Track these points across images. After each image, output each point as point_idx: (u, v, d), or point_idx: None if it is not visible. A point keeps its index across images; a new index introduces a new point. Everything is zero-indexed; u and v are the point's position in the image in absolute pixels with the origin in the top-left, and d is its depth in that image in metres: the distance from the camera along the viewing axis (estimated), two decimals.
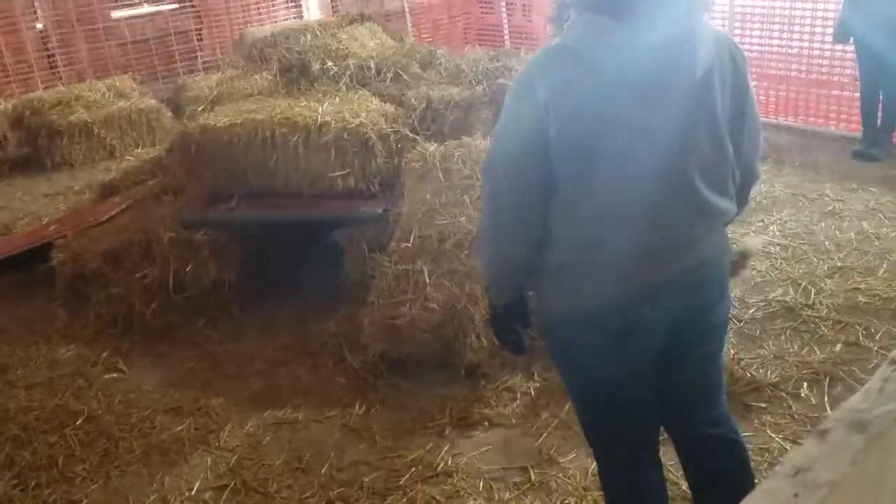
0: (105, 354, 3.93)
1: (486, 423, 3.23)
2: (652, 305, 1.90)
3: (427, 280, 3.53)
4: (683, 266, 1.91)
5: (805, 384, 3.24)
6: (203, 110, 4.88)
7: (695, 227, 1.90)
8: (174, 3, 8.47)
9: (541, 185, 1.82)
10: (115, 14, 8.12)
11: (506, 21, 9.01)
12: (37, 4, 7.74)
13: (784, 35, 6.37)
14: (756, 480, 2.29)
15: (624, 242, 1.83)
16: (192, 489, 3.01)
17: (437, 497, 2.86)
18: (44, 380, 3.77)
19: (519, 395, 3.38)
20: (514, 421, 3.23)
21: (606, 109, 1.75)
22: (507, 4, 8.99)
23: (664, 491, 2.24)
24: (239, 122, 4.21)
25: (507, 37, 8.91)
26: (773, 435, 2.99)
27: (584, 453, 2.98)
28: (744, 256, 2.33)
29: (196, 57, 8.59)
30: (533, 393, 3.37)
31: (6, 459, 3.22)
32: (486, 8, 9.33)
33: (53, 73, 7.83)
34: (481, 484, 2.90)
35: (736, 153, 1.91)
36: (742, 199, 2.04)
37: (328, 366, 3.72)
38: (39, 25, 7.81)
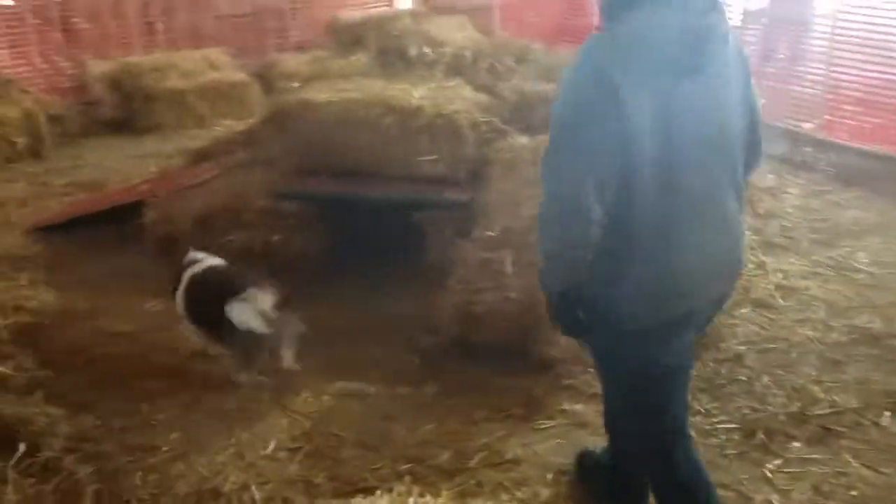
0: None
1: (557, 418, 3.24)
2: (710, 302, 2.16)
3: (508, 270, 3.54)
4: (732, 265, 2.15)
5: (887, 413, 3.17)
6: (299, 87, 4.98)
7: (733, 221, 2.08)
8: None
9: (603, 183, 1.88)
10: None
11: (597, 23, 8.95)
12: None
13: (883, 62, 6.19)
14: None
15: (700, 244, 1.99)
16: (267, 448, 3.09)
17: (505, 483, 2.88)
18: (130, 330, 3.91)
19: (589, 393, 3.37)
20: (584, 418, 3.22)
21: (669, 99, 1.87)
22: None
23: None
24: (336, 99, 4.30)
25: None
26: (850, 459, 2.93)
27: None
28: None
29: (287, 36, 8.76)
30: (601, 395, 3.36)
31: (93, 401, 3.35)
32: (577, 10, 9.27)
33: (151, 40, 8.07)
34: (550, 476, 2.91)
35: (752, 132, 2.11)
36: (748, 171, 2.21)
37: (401, 344, 3.77)
38: None
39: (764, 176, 5.59)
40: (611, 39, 1.92)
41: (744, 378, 3.42)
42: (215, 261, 3.62)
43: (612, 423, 2.53)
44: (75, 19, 7.71)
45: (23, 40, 7.49)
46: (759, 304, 4.00)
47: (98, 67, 7.46)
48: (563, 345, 3.49)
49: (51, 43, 7.63)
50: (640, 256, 1.97)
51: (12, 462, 2.89)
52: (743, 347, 3.63)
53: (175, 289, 3.52)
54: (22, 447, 2.94)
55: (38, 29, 7.54)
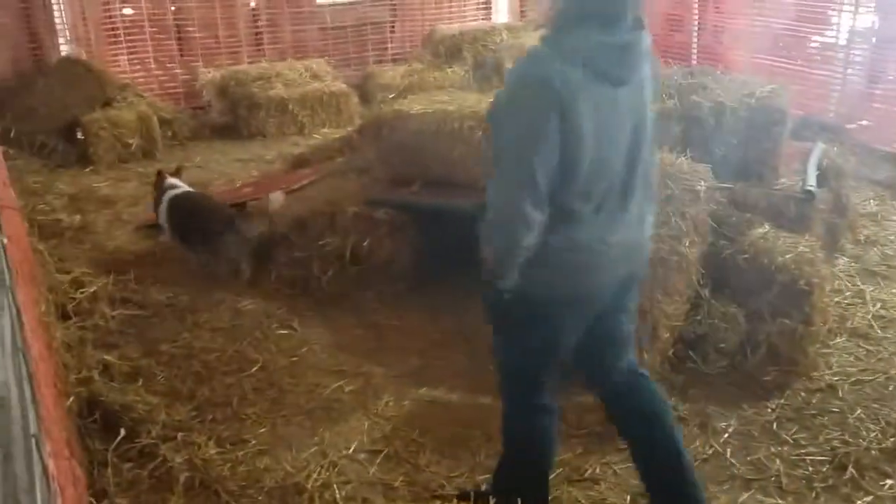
0: (281, 311, 4.22)
1: None
2: (618, 280, 2.39)
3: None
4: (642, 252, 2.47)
5: None
6: (395, 97, 5.10)
7: (643, 212, 2.40)
8: None
9: (550, 171, 2.12)
10: (320, 0, 8.60)
11: (695, 41, 8.80)
12: None
13: None
14: None
15: (619, 229, 2.30)
16: (349, 448, 3.18)
17: (583, 500, 2.89)
18: (226, 326, 4.09)
19: (674, 416, 3.32)
20: None
21: (608, 106, 2.16)
22: (697, 24, 8.77)
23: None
24: (431, 111, 4.38)
25: (694, 57, 8.69)
26: None
27: (738, 484, 2.91)
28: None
29: (386, 48, 8.96)
30: (687, 416, 3.32)
31: (188, 392, 3.53)
32: (674, 26, 9.13)
33: (259, 50, 8.39)
34: (628, 497, 2.89)
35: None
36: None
37: (485, 355, 3.79)
38: (252, 3, 8.40)
39: (866, 201, 5.38)
40: (555, 52, 2.15)
41: (836, 410, 3.31)
42: (187, 189, 4.87)
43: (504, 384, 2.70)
44: (189, 29, 8.11)
45: (140, 48, 7.94)
46: (856, 335, 3.85)
47: (208, 75, 7.82)
48: (647, 364, 3.47)
49: (166, 51, 8.05)
50: (571, 237, 2.25)
51: (112, 446, 3.07)
52: (836, 378, 3.51)
53: (156, 204, 4.81)
54: (122, 432, 3.13)
55: (155, 37, 7.97)
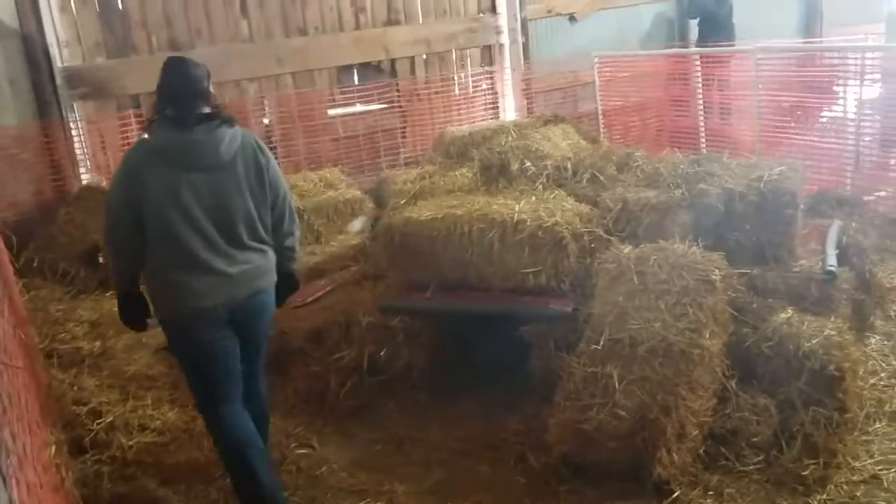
0: (299, 429, 4.13)
1: None
2: (223, 306, 3.18)
3: (617, 385, 3.44)
4: (242, 283, 3.20)
5: None
6: (406, 203, 5.14)
7: (243, 256, 3.21)
8: (383, 103, 9.09)
9: (135, 227, 3.09)
10: (331, 112, 8.83)
11: (702, 124, 8.87)
12: (265, 102, 8.59)
13: None
14: None
15: (203, 268, 3.12)
16: None
17: None
18: None
19: None
20: None
21: (177, 182, 3.06)
22: (703, 108, 8.86)
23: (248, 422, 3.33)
24: (440, 216, 4.41)
25: (703, 141, 8.74)
26: None
27: None
28: None
29: (399, 153, 9.12)
30: None
31: None
32: (681, 111, 9.23)
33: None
34: None
35: (269, 208, 3.30)
36: (283, 235, 3.40)
37: (509, 463, 3.69)
38: (266, 120, 8.64)
39: (893, 274, 5.25)
40: (142, 144, 3.17)
41: (883, 502, 3.13)
42: None
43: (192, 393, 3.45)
44: None
45: None
46: None
47: None
48: (679, 465, 3.33)
49: None
50: (165, 272, 3.13)
51: None
52: (880, 467, 3.34)
53: None
54: None
55: None
